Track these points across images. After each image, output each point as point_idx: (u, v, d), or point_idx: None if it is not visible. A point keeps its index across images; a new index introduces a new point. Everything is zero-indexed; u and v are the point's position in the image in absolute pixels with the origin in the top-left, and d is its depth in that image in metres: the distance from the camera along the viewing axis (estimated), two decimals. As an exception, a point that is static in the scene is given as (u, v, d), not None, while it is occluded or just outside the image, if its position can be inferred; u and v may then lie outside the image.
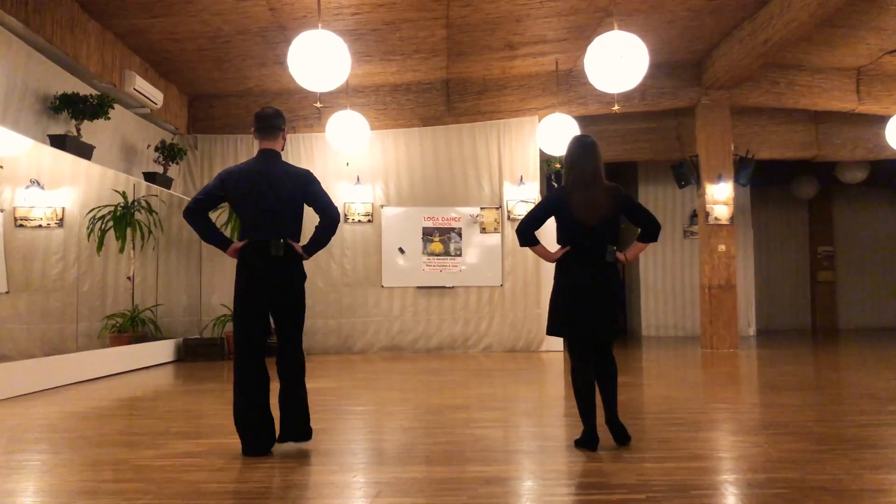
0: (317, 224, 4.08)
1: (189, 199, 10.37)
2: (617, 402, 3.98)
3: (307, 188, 4.04)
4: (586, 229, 3.91)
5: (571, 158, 4.06)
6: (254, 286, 3.94)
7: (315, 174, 4.19)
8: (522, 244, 4.12)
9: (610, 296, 3.95)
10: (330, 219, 4.06)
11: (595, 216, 3.88)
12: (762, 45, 8.58)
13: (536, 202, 10.47)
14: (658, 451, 3.84)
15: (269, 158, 4.05)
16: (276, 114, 4.13)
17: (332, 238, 4.19)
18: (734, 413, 5.23)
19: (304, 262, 4.10)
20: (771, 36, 8.31)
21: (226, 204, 4.18)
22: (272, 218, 3.93)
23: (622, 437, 3.93)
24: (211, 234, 4.07)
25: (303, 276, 4.09)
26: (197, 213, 4.02)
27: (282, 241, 3.91)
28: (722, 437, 4.33)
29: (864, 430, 4.42)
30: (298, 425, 4.01)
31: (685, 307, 13.49)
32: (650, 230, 4.09)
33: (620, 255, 4.00)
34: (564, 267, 4.01)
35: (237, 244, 3.97)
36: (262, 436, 3.89)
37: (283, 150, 4.18)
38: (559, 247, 4.05)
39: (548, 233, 4.11)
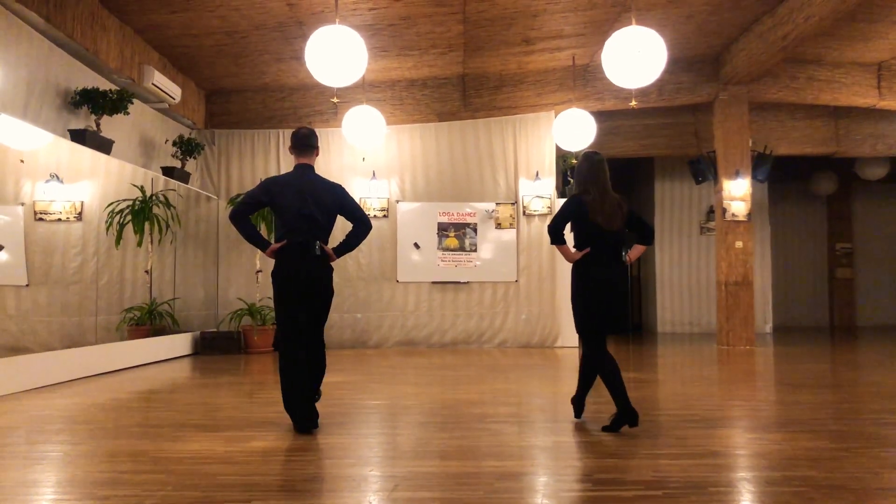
0: (349, 231, 4.66)
1: (205, 192, 10.48)
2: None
3: (344, 200, 4.65)
4: (606, 234, 4.40)
5: (586, 173, 4.52)
6: (295, 281, 4.42)
7: (331, 169, 4.66)
8: (554, 242, 4.54)
9: (620, 293, 4.46)
10: (365, 227, 4.67)
11: (613, 222, 4.41)
12: (782, 40, 8.49)
13: (553, 198, 10.48)
14: (674, 448, 3.83)
15: (307, 172, 4.60)
16: (312, 133, 4.69)
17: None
18: (751, 410, 5.20)
19: None
20: (791, 31, 8.22)
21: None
22: (311, 223, 4.45)
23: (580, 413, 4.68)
24: (254, 236, 4.51)
25: (330, 276, 4.62)
26: (243, 216, 4.48)
27: (318, 242, 4.45)
28: (738, 435, 4.31)
29: (884, 428, 4.39)
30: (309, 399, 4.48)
31: (701, 303, 13.42)
32: (647, 235, 4.65)
33: (626, 256, 4.51)
34: (586, 267, 4.44)
35: (275, 245, 4.44)
36: (310, 413, 4.34)
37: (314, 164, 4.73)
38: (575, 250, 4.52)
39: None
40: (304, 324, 4.45)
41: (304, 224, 4.43)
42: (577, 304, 4.46)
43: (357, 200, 10.23)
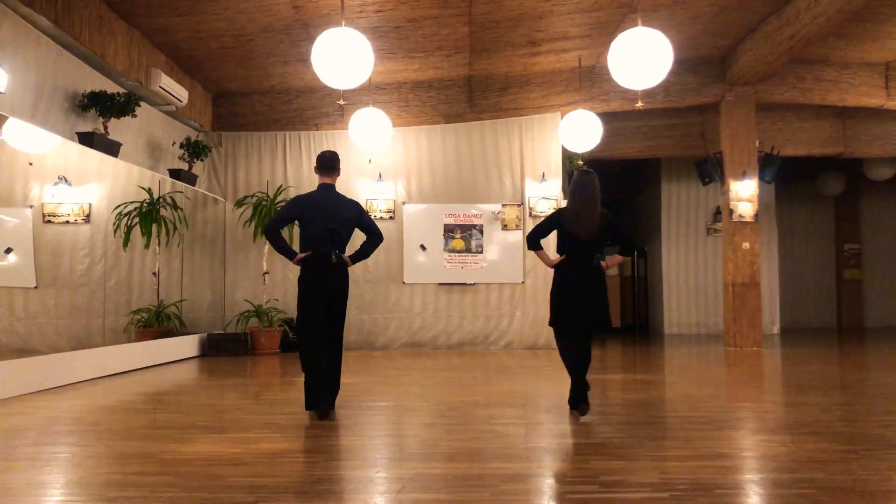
0: (364, 241, 5.23)
1: (212, 195, 10.52)
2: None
3: (361, 216, 5.28)
4: (579, 242, 4.89)
5: (570, 188, 5.05)
6: (317, 285, 5.01)
7: (339, 173, 5.34)
8: (529, 248, 5.15)
9: (592, 293, 4.88)
10: (377, 238, 5.27)
11: (583, 232, 4.87)
12: (788, 41, 8.47)
13: (559, 199, 10.48)
14: (681, 450, 3.82)
15: (329, 190, 5.23)
16: (335, 156, 5.33)
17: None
18: (758, 412, 5.19)
19: None
20: (798, 31, 8.20)
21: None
22: (334, 236, 5.05)
23: (581, 409, 4.82)
24: (284, 247, 5.12)
25: (347, 279, 5.19)
26: (277, 230, 5.14)
27: (337, 251, 5.03)
28: (746, 437, 4.30)
29: (892, 430, 4.37)
30: (330, 394, 4.98)
31: (708, 305, 13.39)
32: (625, 248, 5.21)
33: (603, 263, 4.97)
34: (559, 270, 5.00)
35: (301, 255, 5.04)
36: (321, 394, 4.86)
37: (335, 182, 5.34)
38: (557, 256, 5.06)
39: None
40: (322, 323, 5.01)
41: (328, 237, 5.02)
42: (550, 300, 5.04)
43: (363, 202, 10.48)
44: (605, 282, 4.99)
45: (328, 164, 5.28)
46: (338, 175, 5.34)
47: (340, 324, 5.18)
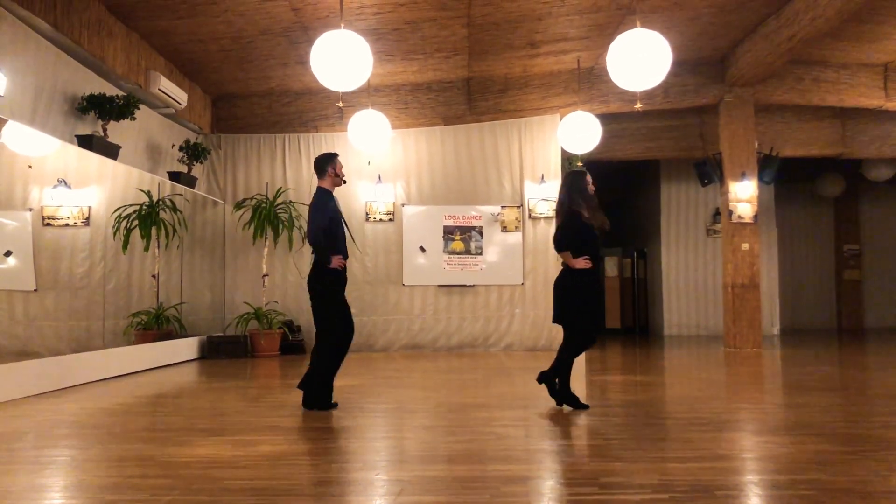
0: None
1: (212, 197, 10.53)
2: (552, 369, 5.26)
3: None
4: (555, 241, 5.36)
5: None
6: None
7: (328, 174, 5.43)
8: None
9: (555, 292, 5.29)
10: (308, 238, 5.41)
11: (558, 232, 5.32)
12: (787, 42, 8.48)
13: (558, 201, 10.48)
14: (681, 451, 3.82)
15: (315, 193, 5.41)
16: (324, 158, 5.47)
17: (348, 240, 5.49)
18: (758, 413, 5.18)
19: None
20: (796, 32, 8.21)
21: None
22: (309, 236, 5.38)
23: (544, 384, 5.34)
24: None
25: (317, 278, 5.26)
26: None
27: (312, 253, 5.37)
28: (746, 438, 4.30)
29: (892, 431, 4.37)
30: (309, 396, 5.26)
31: (708, 306, 13.39)
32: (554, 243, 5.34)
33: (568, 261, 5.19)
34: None
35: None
36: (305, 391, 5.31)
37: (332, 185, 5.42)
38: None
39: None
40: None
41: (310, 238, 5.36)
42: None
43: (363, 204, 10.49)
44: (566, 281, 5.19)
45: (316, 165, 5.53)
46: (328, 176, 5.43)
47: (316, 320, 5.38)
